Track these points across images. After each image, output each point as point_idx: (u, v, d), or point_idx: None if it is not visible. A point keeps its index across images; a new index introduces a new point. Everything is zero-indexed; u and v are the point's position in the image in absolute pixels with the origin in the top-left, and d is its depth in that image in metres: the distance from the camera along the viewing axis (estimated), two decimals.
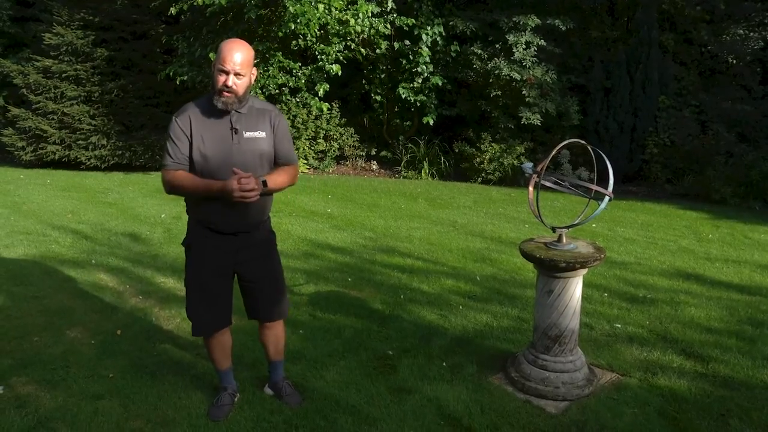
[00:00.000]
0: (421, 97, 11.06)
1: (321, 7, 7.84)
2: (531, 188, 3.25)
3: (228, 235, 2.72)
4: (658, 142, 10.28)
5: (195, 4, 8.62)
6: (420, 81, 11.01)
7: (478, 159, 10.54)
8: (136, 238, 6.14)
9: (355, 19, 8.99)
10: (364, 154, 12.10)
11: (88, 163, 10.82)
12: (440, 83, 10.98)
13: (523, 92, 10.09)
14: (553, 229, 3.18)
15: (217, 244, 2.73)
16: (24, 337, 3.75)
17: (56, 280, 4.83)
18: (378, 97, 11.76)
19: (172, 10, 8.94)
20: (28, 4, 13.45)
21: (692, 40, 11.69)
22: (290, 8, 7.77)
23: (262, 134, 2.67)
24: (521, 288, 4.87)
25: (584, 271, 3.15)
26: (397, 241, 6.26)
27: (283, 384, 3.07)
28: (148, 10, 11.07)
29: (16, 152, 11.13)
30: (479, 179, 10.64)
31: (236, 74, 2.54)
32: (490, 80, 10.37)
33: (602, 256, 3.09)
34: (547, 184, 3.17)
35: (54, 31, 10.92)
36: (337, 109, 11.51)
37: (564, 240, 3.17)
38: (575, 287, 3.15)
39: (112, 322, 4.01)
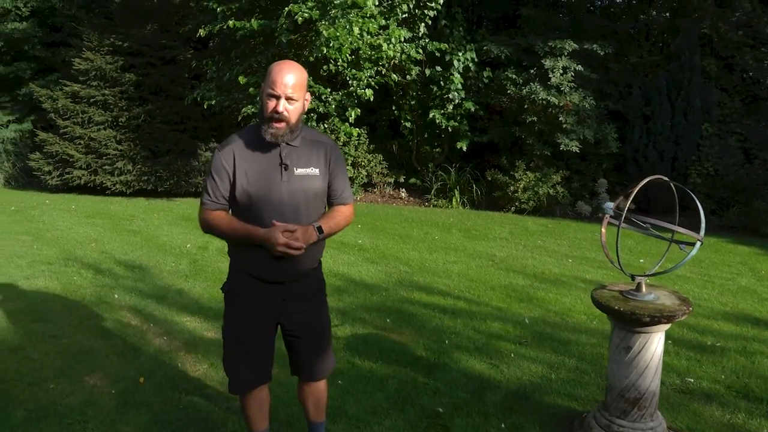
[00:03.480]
0: (452, 123, 10.76)
1: (356, 30, 7.59)
2: (604, 229, 2.89)
3: (273, 284, 2.38)
4: (702, 172, 9.81)
5: (225, 27, 8.46)
6: (451, 107, 10.71)
7: (512, 187, 10.15)
8: (160, 271, 5.86)
9: (388, 44, 8.75)
10: (392, 181, 11.78)
11: (113, 188, 10.68)
12: (472, 108, 10.68)
13: (560, 118, 9.74)
14: (632, 277, 2.81)
15: (259, 292, 2.39)
16: (39, 383, 3.45)
17: (77, 316, 4.54)
18: (407, 123, 11.49)
19: (201, 32, 8.79)
20: (57, 28, 13.53)
21: (733, 65, 11.27)
22: (324, 32, 7.54)
23: (315, 171, 2.34)
24: (574, 333, 4.46)
25: (668, 326, 2.76)
26: (434, 277, 5.90)
27: None
28: (177, 36, 11.01)
29: (42, 177, 11.08)
30: (513, 208, 10.23)
31: (288, 98, 2.22)
32: (525, 106, 10.05)
33: (689, 309, 2.71)
34: (625, 226, 2.80)
35: (83, 56, 10.90)
36: (365, 136, 11.25)
37: (643, 289, 2.79)
38: (657, 344, 2.76)
39: (134, 367, 3.70)
